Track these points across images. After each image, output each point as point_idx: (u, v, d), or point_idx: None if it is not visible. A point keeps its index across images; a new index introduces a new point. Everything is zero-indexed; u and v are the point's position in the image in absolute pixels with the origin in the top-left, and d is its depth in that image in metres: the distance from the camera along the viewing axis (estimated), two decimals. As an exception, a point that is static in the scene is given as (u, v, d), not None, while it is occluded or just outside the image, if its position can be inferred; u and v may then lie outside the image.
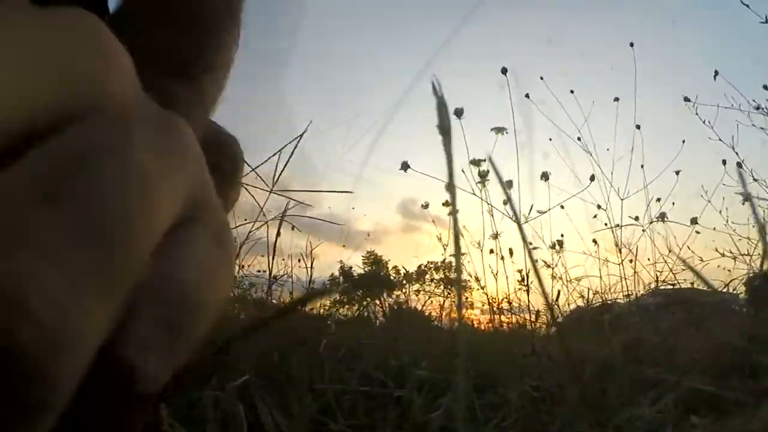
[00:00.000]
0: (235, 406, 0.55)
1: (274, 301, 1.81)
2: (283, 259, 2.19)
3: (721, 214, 2.85)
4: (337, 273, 9.40)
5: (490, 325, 2.29)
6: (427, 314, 2.80)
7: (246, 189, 1.06)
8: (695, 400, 1.09)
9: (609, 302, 2.70)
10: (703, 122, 2.89)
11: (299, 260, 2.16)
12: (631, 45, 2.98)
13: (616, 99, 2.88)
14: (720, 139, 2.79)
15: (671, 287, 2.66)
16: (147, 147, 0.12)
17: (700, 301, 2.41)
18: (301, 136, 1.02)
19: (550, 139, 2.83)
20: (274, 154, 1.02)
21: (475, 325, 2.73)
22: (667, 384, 1.14)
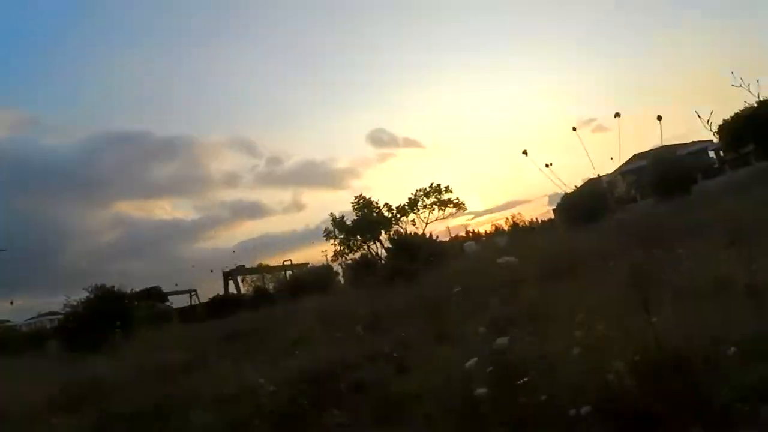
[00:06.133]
0: None
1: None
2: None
3: None
4: (330, 225, 10.73)
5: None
6: (428, 235, 4.08)
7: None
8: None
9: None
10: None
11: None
12: (659, 118, 3.12)
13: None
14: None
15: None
16: None
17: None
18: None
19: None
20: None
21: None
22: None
